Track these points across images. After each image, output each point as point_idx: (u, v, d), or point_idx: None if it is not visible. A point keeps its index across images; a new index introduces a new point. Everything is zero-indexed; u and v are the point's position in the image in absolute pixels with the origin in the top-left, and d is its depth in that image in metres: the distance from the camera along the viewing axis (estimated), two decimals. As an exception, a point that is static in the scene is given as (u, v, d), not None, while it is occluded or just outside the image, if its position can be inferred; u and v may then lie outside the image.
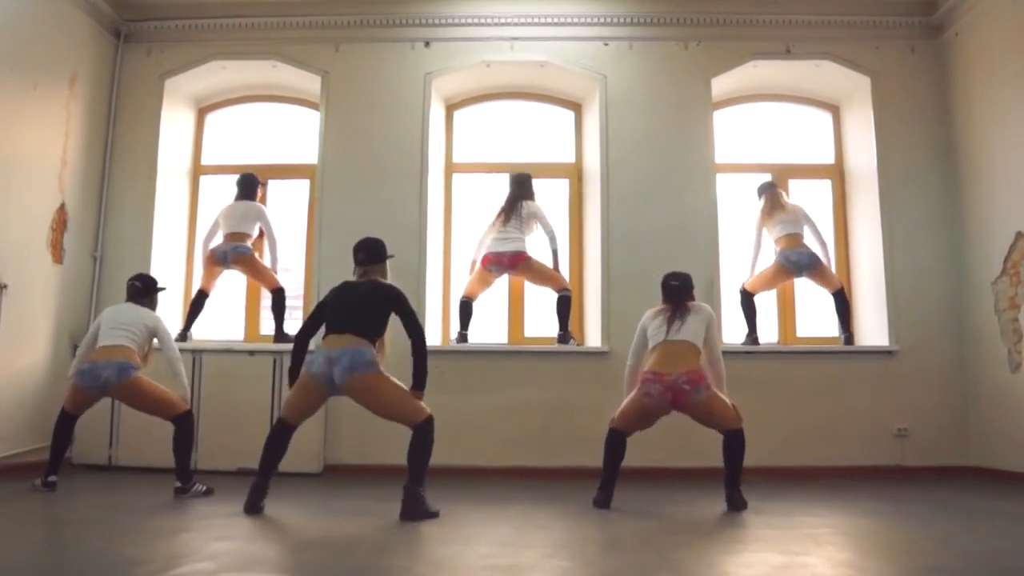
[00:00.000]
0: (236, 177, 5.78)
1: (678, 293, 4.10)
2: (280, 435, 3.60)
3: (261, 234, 5.67)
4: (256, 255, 5.59)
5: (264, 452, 3.57)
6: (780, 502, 4.09)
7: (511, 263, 5.38)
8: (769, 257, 5.67)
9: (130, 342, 4.17)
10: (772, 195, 5.68)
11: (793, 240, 5.50)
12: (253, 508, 3.48)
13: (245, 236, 5.55)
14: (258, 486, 3.52)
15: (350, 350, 3.48)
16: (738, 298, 5.62)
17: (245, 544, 2.91)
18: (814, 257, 5.49)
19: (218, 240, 5.62)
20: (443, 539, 3.00)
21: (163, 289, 4.58)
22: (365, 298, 3.63)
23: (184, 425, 4.16)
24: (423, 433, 3.53)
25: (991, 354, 5.16)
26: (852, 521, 3.54)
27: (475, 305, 5.56)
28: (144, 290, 4.42)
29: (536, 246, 5.53)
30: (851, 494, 4.39)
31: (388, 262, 3.82)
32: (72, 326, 5.39)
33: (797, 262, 5.45)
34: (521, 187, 5.58)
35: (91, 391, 4.12)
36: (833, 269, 5.71)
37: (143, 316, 4.29)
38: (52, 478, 4.09)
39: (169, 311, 5.60)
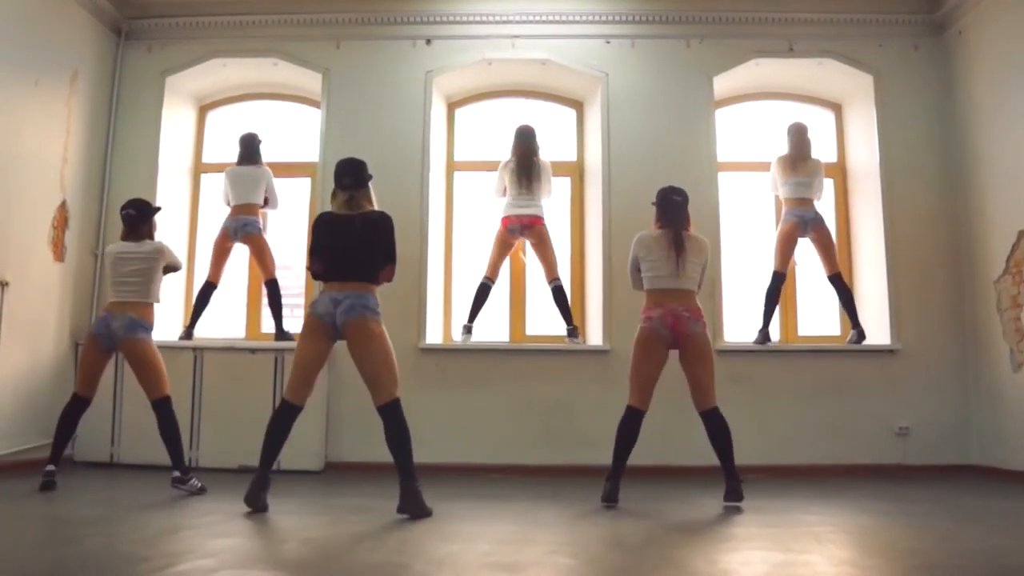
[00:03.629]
0: (238, 137, 5.72)
1: (680, 210, 4.03)
2: (284, 418, 3.53)
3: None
4: (265, 236, 5.58)
5: (266, 439, 3.51)
6: (781, 500, 4.09)
7: (530, 224, 5.37)
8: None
9: (140, 295, 4.14)
10: (800, 142, 5.56)
11: (803, 203, 5.43)
12: (255, 501, 3.43)
13: (254, 207, 5.53)
14: (260, 479, 3.47)
15: (353, 294, 3.48)
16: (768, 282, 5.44)
17: (246, 541, 2.92)
18: (820, 217, 5.44)
19: (227, 210, 5.59)
20: (444, 537, 3.00)
21: (159, 209, 4.47)
22: (362, 238, 3.55)
23: (164, 412, 4.11)
24: (393, 417, 3.47)
25: (993, 353, 5.15)
26: (853, 519, 3.54)
27: (491, 293, 5.51)
28: (140, 216, 4.27)
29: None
30: (852, 492, 4.38)
31: (371, 184, 3.73)
32: (74, 324, 5.39)
33: (803, 216, 5.37)
34: (532, 141, 5.55)
35: (102, 343, 4.11)
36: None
37: (146, 259, 4.18)
38: (50, 467, 4.02)
39: (171, 309, 5.60)
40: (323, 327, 3.54)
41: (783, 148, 5.63)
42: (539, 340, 5.69)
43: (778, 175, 5.56)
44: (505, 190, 5.55)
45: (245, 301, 5.95)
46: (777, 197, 5.76)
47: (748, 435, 4.70)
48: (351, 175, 3.66)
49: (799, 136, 5.58)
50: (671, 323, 3.85)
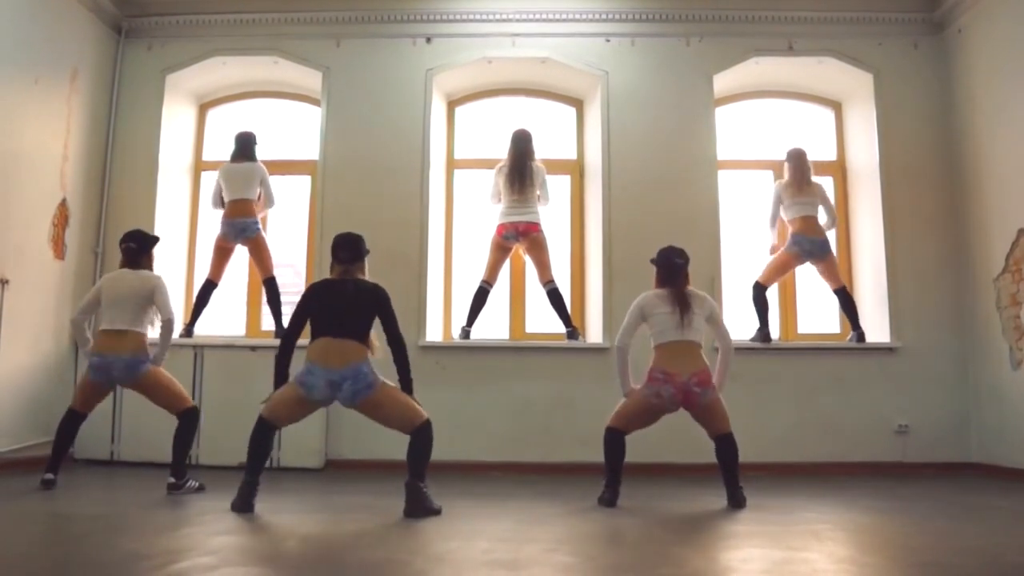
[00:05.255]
0: (234, 135, 5.69)
1: (682, 272, 4.02)
2: (266, 435, 3.54)
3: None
4: (264, 235, 5.56)
5: (250, 452, 3.51)
6: (781, 498, 4.09)
7: (525, 231, 5.38)
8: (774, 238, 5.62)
9: (134, 323, 4.09)
10: (800, 167, 5.53)
11: (808, 223, 5.40)
12: (245, 507, 3.42)
13: (250, 204, 5.48)
14: (248, 486, 3.46)
15: (350, 373, 3.43)
16: (750, 293, 5.48)
17: (246, 539, 2.92)
18: (826, 246, 5.42)
19: (223, 205, 5.55)
20: (444, 534, 3.01)
21: (158, 240, 4.43)
22: (356, 300, 3.55)
23: (188, 421, 4.13)
24: (421, 436, 3.51)
25: (992, 351, 5.16)
26: (852, 517, 3.55)
27: (490, 296, 5.51)
28: (140, 250, 4.23)
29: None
30: (852, 490, 4.39)
31: (366, 258, 3.73)
32: (74, 322, 5.39)
33: (810, 250, 5.36)
34: (525, 146, 5.54)
35: (103, 386, 4.10)
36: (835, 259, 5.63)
37: (142, 285, 4.13)
38: (50, 476, 4.01)
39: (172, 307, 5.59)
40: (317, 405, 3.56)
41: (782, 170, 5.61)
42: (539, 338, 5.70)
43: (783, 198, 5.51)
44: (500, 195, 5.55)
45: (245, 299, 5.96)
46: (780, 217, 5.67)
47: (748, 433, 4.68)
48: (348, 249, 3.66)
49: (799, 161, 5.55)
50: (681, 399, 3.83)
